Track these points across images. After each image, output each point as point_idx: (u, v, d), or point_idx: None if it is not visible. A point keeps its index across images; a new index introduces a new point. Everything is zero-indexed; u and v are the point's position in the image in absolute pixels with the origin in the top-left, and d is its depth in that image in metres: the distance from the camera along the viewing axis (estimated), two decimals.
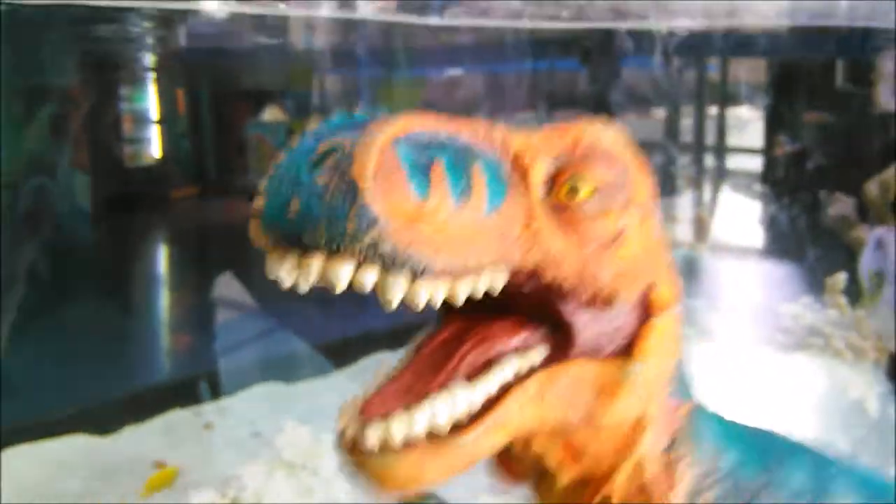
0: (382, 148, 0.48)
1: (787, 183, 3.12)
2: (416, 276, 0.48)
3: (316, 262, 0.48)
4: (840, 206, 2.76)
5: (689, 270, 2.79)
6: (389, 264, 0.47)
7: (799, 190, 3.01)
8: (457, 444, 0.53)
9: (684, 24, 2.36)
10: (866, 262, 2.54)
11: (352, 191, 0.46)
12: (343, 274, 0.48)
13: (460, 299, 0.51)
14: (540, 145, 0.56)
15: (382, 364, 0.59)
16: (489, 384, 0.55)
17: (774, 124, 3.36)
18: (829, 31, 2.57)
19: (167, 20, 2.63)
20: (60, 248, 2.77)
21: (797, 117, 3.32)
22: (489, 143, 0.54)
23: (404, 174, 0.48)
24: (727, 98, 3.59)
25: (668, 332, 0.61)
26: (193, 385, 2.37)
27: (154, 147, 3.84)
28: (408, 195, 0.48)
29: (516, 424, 0.56)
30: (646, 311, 0.60)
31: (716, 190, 3.56)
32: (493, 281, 0.52)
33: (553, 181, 0.56)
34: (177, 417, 2.25)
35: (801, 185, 3.08)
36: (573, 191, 0.56)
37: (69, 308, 2.67)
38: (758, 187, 3.34)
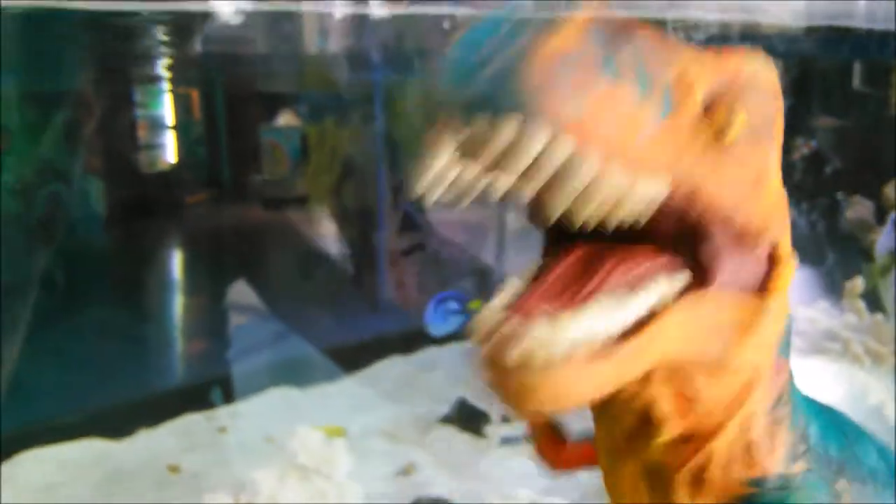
0: (580, 26, 0.46)
1: (803, 186, 3.09)
2: (601, 163, 0.46)
3: (511, 125, 0.45)
4: (858, 209, 2.73)
5: None
6: (575, 146, 0.45)
7: (816, 193, 2.99)
8: (611, 359, 0.49)
9: (700, 15, 2.34)
10: (883, 243, 2.51)
11: (546, 65, 0.44)
12: (539, 140, 0.45)
13: (635, 204, 0.49)
14: (702, 69, 0.53)
15: (512, 281, 0.54)
16: (641, 300, 0.52)
17: (791, 127, 3.34)
18: (846, 31, 2.55)
19: (182, 25, 2.65)
20: (75, 254, 2.79)
21: (813, 120, 3.29)
22: (660, 50, 0.51)
23: (599, 56, 0.46)
24: None
25: (789, 282, 0.59)
26: (207, 389, 2.37)
27: (169, 153, 3.86)
28: (603, 76, 0.46)
29: (664, 349, 0.53)
30: (773, 257, 0.59)
31: None
32: (657, 192, 0.50)
33: (712, 105, 0.53)
34: (190, 421, 2.25)
35: (819, 189, 3.05)
36: (731, 118, 0.54)
37: (83, 312, 2.68)
38: None
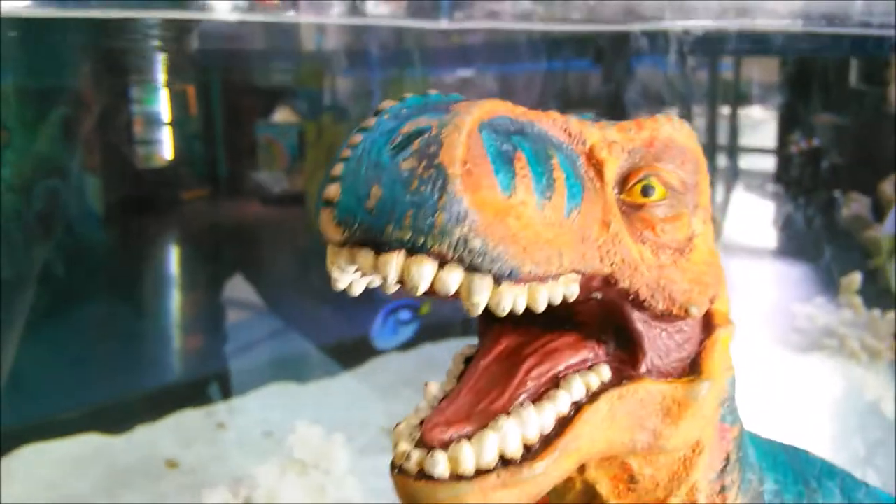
0: (470, 133, 0.43)
1: (801, 182, 3.09)
2: (502, 278, 0.44)
3: (396, 260, 0.43)
4: (855, 205, 2.74)
5: None
6: (477, 263, 0.43)
7: (813, 190, 2.99)
8: (531, 470, 0.48)
9: (698, 23, 2.35)
10: (889, 225, 2.51)
11: (441, 178, 0.42)
12: (426, 273, 0.43)
13: (541, 306, 0.47)
14: (615, 139, 0.52)
15: (429, 387, 0.54)
16: (560, 403, 0.51)
17: (788, 123, 3.34)
18: (842, 25, 2.56)
19: (179, 22, 2.64)
20: (72, 250, 2.78)
21: (811, 116, 3.29)
22: (564, 135, 0.50)
23: (490, 163, 0.44)
24: (740, 97, 3.57)
25: (727, 349, 0.57)
26: (205, 385, 2.37)
27: (165, 149, 3.85)
28: (495, 187, 0.44)
29: (588, 447, 0.51)
30: (709, 324, 0.56)
31: (728, 190, 3.54)
32: (570, 289, 0.48)
33: (627, 178, 0.52)
34: (189, 417, 2.25)
35: (816, 185, 3.06)
36: (647, 190, 0.52)
37: (81, 308, 2.68)
38: (771, 187, 3.32)
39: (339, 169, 0.46)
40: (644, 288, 0.51)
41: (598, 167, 0.50)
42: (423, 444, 0.48)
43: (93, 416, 2.19)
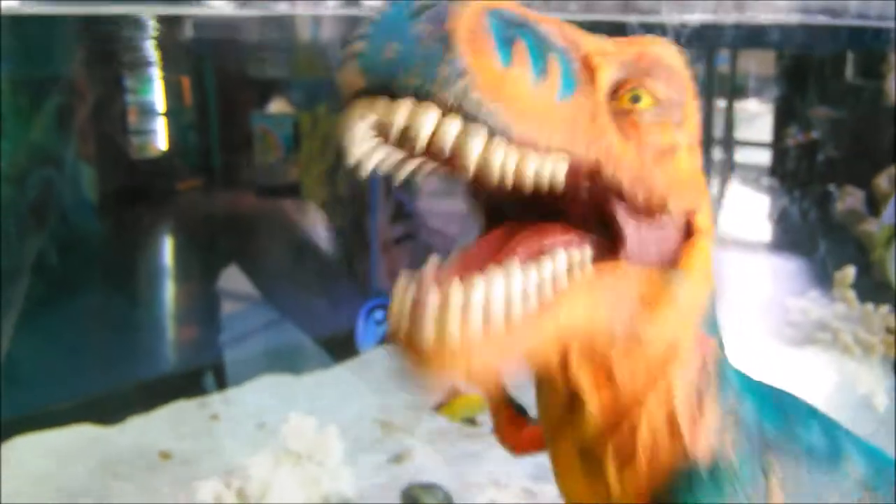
0: (476, 11, 0.50)
1: (796, 176, 3.10)
2: (495, 132, 0.50)
3: (405, 106, 0.49)
4: (850, 199, 2.74)
5: None
6: (474, 114, 0.49)
7: (808, 183, 3.00)
8: (509, 328, 0.52)
9: (696, 17, 2.34)
10: (887, 216, 2.53)
11: (446, 41, 0.49)
12: (429, 119, 0.49)
13: (530, 175, 0.52)
14: (609, 52, 0.58)
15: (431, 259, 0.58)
16: (544, 269, 0.55)
17: (784, 117, 3.34)
18: (838, 16, 2.55)
19: (175, 10, 2.62)
20: (66, 240, 2.77)
21: (807, 110, 3.29)
22: (563, 39, 0.56)
23: (493, 40, 0.50)
24: (736, 91, 3.57)
25: (706, 255, 0.62)
26: (199, 376, 2.37)
27: (160, 139, 3.83)
28: (495, 57, 0.50)
29: (566, 319, 0.55)
30: (688, 231, 0.62)
31: (723, 183, 3.54)
32: (558, 166, 0.54)
33: (617, 88, 0.57)
34: (182, 408, 2.25)
35: (811, 179, 3.07)
36: (635, 98, 0.57)
37: (75, 299, 2.67)
38: (766, 181, 3.32)
39: (363, 30, 0.52)
40: (626, 179, 0.57)
41: (591, 71, 0.56)
42: (416, 294, 0.52)
43: (86, 406, 2.19)
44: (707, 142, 3.63)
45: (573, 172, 0.55)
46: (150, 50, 3.35)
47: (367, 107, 0.51)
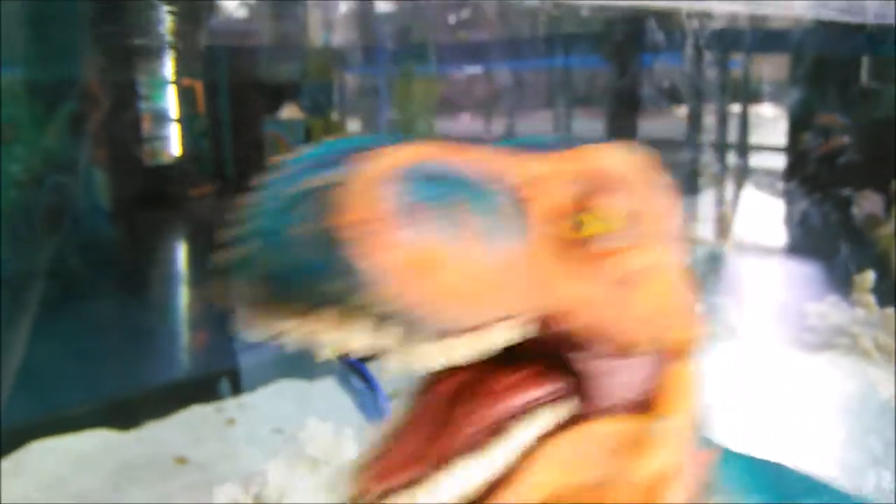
0: (371, 188, 0.41)
1: (817, 179, 3.08)
2: (424, 335, 0.42)
3: (308, 323, 0.42)
4: (868, 203, 2.72)
5: (714, 268, 2.76)
6: (387, 323, 0.41)
7: (826, 187, 2.98)
8: None
9: (714, 7, 2.32)
10: None
11: (332, 243, 0.40)
12: (330, 334, 0.42)
13: (468, 356, 0.45)
14: (546, 176, 0.49)
15: (388, 417, 0.53)
16: (508, 448, 0.49)
17: (800, 121, 3.33)
18: (859, 27, 2.54)
19: (188, 18, 2.64)
20: (80, 245, 2.78)
21: (823, 114, 3.28)
22: (491, 175, 0.47)
23: (399, 217, 0.41)
24: (751, 95, 3.55)
25: (688, 380, 0.55)
26: (214, 381, 2.37)
27: (173, 145, 3.85)
28: (405, 241, 0.41)
29: (539, 493, 0.50)
30: (668, 356, 0.54)
31: (739, 187, 3.52)
32: (506, 334, 0.46)
33: (564, 213, 0.49)
34: (198, 413, 2.24)
35: (829, 183, 3.05)
36: (585, 224, 0.49)
37: (90, 304, 2.68)
38: (784, 185, 3.30)
39: (242, 230, 0.44)
40: (584, 328, 0.49)
41: (528, 206, 0.47)
42: (377, 485, 0.48)
43: (101, 412, 2.18)
44: (722, 146, 3.62)
45: (522, 328, 0.47)
46: (165, 57, 3.37)
47: (270, 318, 0.43)
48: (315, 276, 0.40)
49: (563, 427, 0.51)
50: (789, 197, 3.16)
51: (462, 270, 0.43)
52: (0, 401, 2.02)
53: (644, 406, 0.53)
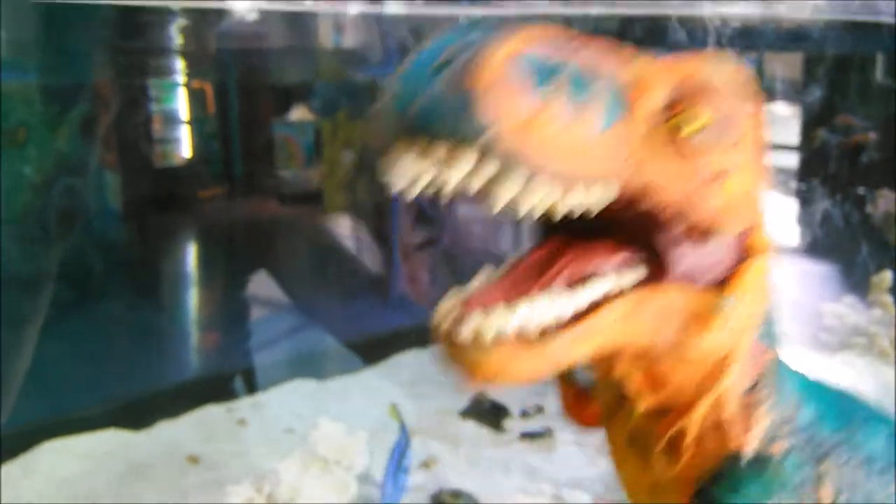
0: (501, 58, 0.49)
1: (831, 179, 3.05)
2: (528, 178, 0.50)
3: (439, 152, 0.49)
4: (884, 202, 2.70)
5: None
6: (504, 164, 0.49)
7: (843, 187, 2.95)
8: (546, 346, 0.54)
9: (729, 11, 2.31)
10: None
11: (469, 94, 0.48)
12: (462, 167, 0.49)
13: (566, 209, 0.52)
14: (658, 74, 0.56)
15: (482, 274, 0.60)
16: (585, 295, 0.56)
17: (815, 120, 3.30)
18: (875, 25, 2.52)
19: (198, 20, 2.64)
20: (91, 247, 2.79)
21: (840, 112, 3.25)
22: (610, 65, 0.54)
23: (524, 82, 0.49)
24: (764, 93, 3.52)
25: (762, 274, 0.62)
26: (226, 381, 2.37)
27: (183, 147, 3.86)
28: (526, 102, 0.49)
29: (604, 338, 0.57)
30: (743, 251, 0.61)
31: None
32: (600, 195, 0.53)
33: (667, 111, 0.56)
34: (210, 413, 2.24)
35: (845, 182, 3.02)
36: (683, 123, 0.56)
37: (102, 305, 2.68)
38: (799, 184, 3.28)
39: (392, 81, 0.53)
40: (671, 207, 0.56)
41: (639, 96, 0.55)
42: (461, 311, 0.55)
43: (114, 411, 2.19)
44: None
45: (620, 198, 0.54)
46: (175, 59, 3.38)
47: (404, 151, 0.51)
48: (447, 112, 0.49)
49: (635, 290, 0.58)
50: (805, 196, 3.13)
51: (565, 133, 0.50)
52: (13, 401, 2.02)
53: (718, 287, 0.60)
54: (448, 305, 0.56)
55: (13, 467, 1.93)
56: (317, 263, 3.32)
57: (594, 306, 0.56)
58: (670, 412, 0.65)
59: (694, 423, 0.64)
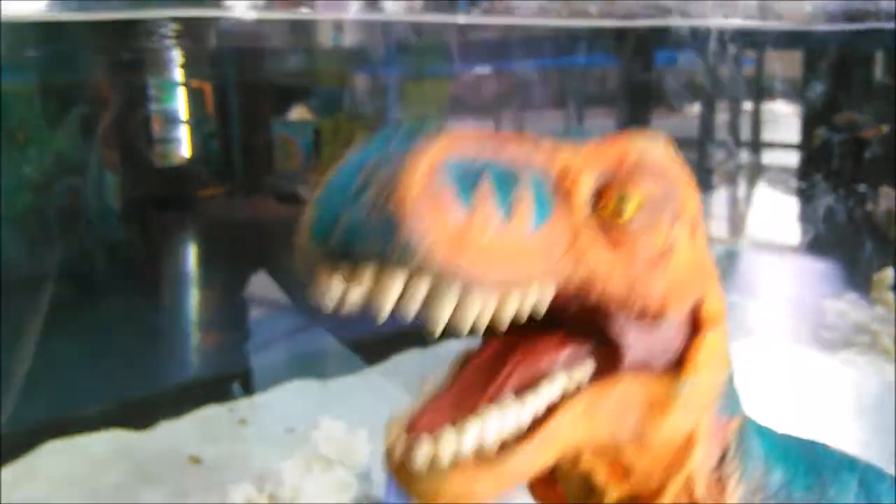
0: (423, 171, 0.47)
1: (832, 177, 3.05)
2: (463, 291, 0.48)
3: (367, 274, 0.48)
4: (886, 200, 2.70)
5: (731, 266, 2.74)
6: (437, 281, 0.47)
7: (844, 184, 2.95)
8: (506, 462, 0.52)
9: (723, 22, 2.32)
10: None
11: (397, 209, 0.47)
12: (393, 288, 0.48)
13: (507, 317, 0.51)
14: (585, 160, 0.55)
15: (426, 381, 0.59)
16: (537, 401, 0.55)
17: (815, 118, 3.30)
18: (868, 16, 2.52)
19: (196, 21, 2.64)
20: (91, 247, 2.79)
21: (840, 111, 3.25)
22: (534, 159, 0.53)
23: (450, 193, 0.48)
24: (763, 92, 3.53)
25: (717, 346, 0.60)
26: (227, 381, 2.36)
27: (183, 147, 3.86)
28: (454, 214, 0.48)
29: (565, 442, 0.55)
30: (695, 325, 0.59)
31: (753, 185, 3.50)
32: (540, 297, 0.52)
33: (599, 197, 0.55)
34: (211, 413, 2.24)
35: (847, 180, 3.02)
36: (619, 207, 0.54)
37: (102, 305, 2.68)
38: (799, 182, 3.28)
39: (315, 198, 0.51)
40: (615, 296, 0.54)
41: (568, 188, 0.53)
42: (410, 432, 0.53)
43: (115, 412, 2.19)
44: (736, 143, 3.59)
45: (560, 294, 0.53)
46: (174, 59, 3.37)
47: (329, 274, 0.49)
48: (371, 235, 0.47)
49: (589, 386, 0.56)
50: (806, 194, 3.13)
51: (498, 239, 0.49)
52: (13, 401, 2.02)
53: (671, 370, 0.59)
54: (395, 428, 0.54)
55: (14, 468, 1.93)
56: None
57: (552, 408, 0.55)
58: (640, 498, 0.63)
59: None
